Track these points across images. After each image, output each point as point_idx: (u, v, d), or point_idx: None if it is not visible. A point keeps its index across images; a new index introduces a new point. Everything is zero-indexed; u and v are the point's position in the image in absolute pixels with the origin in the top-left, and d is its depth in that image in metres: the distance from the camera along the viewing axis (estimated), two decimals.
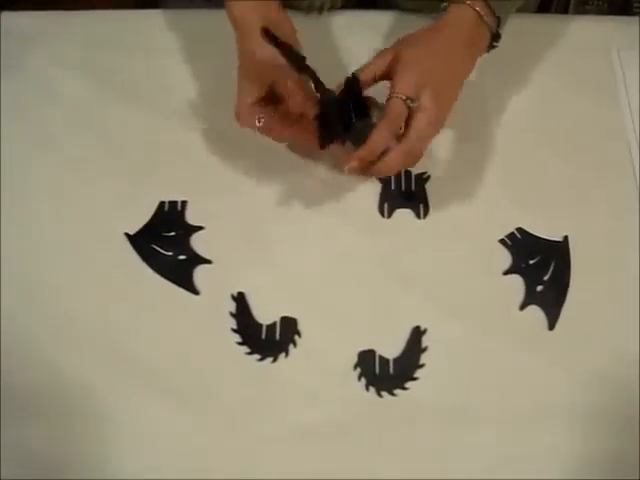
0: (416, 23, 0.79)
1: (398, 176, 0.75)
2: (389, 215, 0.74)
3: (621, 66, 0.82)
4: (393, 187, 0.75)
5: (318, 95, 0.66)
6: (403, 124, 0.65)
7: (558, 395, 0.66)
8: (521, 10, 0.74)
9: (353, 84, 0.66)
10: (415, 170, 0.75)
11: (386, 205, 0.74)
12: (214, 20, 0.77)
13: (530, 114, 0.79)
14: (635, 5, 0.91)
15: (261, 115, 0.68)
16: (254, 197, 0.74)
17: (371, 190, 0.75)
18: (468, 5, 0.67)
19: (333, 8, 0.85)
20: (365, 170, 0.68)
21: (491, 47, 0.71)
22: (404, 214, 0.74)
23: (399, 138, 0.65)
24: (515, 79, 0.80)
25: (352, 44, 0.81)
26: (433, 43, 0.67)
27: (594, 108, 0.80)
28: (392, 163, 0.66)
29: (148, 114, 0.79)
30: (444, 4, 0.70)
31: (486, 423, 0.65)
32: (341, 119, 0.66)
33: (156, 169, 0.76)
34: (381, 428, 0.65)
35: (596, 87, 0.81)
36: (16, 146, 0.77)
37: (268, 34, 0.64)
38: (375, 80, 0.68)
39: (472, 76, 0.70)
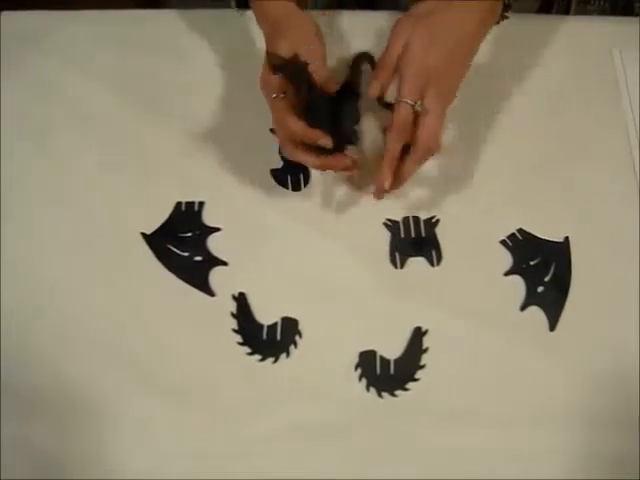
0: None
1: None
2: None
3: (622, 66, 0.82)
4: None
5: None
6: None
7: (558, 395, 0.66)
8: (522, 10, 0.73)
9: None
10: None
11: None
12: (216, 20, 0.77)
13: (531, 115, 0.79)
14: (637, 5, 0.91)
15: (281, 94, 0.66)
16: (263, 200, 0.74)
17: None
18: None
19: (329, 8, 0.85)
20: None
21: (502, 18, 0.69)
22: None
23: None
24: (516, 80, 0.80)
25: (344, 45, 0.81)
26: (443, 26, 0.65)
27: (595, 108, 0.80)
28: (410, 169, 0.66)
29: (154, 115, 0.79)
30: None
31: (486, 423, 0.65)
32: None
33: (173, 170, 0.76)
34: (382, 428, 0.65)
35: (597, 87, 0.81)
36: (16, 146, 0.77)
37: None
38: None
39: (472, 77, 0.69)
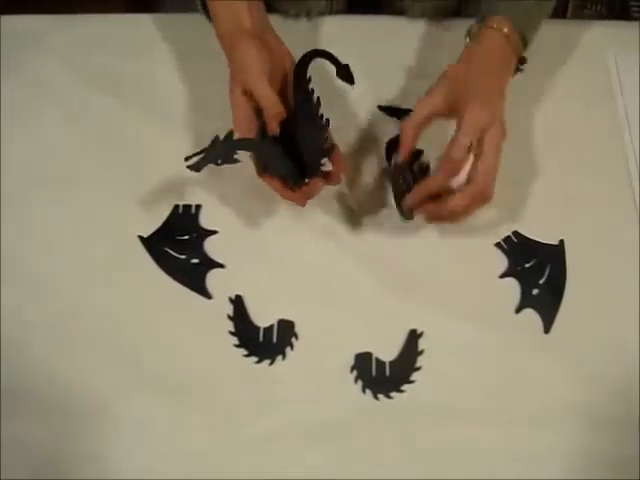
0: (406, 28, 0.80)
1: None
2: None
3: (617, 70, 0.82)
4: None
5: None
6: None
7: (558, 395, 0.67)
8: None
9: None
10: None
11: None
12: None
13: (527, 118, 0.79)
14: (633, 10, 0.91)
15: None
16: (259, 203, 0.75)
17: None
18: (497, 30, 0.69)
19: (322, 14, 0.85)
20: (434, 218, 0.70)
21: (517, 70, 0.73)
22: None
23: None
24: (513, 83, 0.80)
25: (340, 49, 0.81)
26: (474, 77, 0.69)
27: (591, 112, 0.80)
28: (459, 205, 0.67)
29: (152, 116, 0.79)
30: (473, 26, 0.72)
31: (486, 423, 0.66)
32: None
33: (170, 172, 0.76)
34: (379, 429, 0.65)
35: (593, 91, 0.82)
36: (16, 146, 0.77)
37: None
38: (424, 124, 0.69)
39: None
